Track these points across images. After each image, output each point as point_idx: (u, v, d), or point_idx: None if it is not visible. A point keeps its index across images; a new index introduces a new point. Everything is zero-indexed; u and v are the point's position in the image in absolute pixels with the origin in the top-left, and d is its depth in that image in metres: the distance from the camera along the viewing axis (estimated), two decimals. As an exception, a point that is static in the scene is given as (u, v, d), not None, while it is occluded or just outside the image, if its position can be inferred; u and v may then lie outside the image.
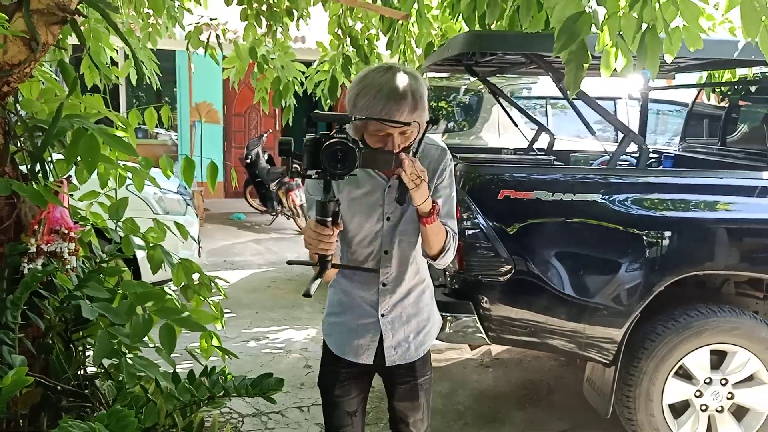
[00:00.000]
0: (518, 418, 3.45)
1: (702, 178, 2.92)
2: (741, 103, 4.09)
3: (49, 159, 2.24)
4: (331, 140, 1.51)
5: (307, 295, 1.55)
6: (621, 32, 2.07)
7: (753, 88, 3.80)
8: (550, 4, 2.11)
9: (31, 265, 2.02)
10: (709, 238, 2.79)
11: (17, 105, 2.21)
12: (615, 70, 2.14)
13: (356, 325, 1.89)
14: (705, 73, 4.17)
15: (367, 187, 1.77)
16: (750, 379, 2.95)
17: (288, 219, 8.15)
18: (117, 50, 4.61)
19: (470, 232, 2.83)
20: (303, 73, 4.84)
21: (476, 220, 2.82)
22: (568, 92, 2.03)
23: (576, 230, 2.82)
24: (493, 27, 3.05)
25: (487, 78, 4.24)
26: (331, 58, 4.98)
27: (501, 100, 4.36)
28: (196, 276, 2.57)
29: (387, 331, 1.87)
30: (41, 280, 1.95)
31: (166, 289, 2.28)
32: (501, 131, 5.14)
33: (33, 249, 2.03)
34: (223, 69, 4.85)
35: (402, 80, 1.61)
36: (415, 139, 1.65)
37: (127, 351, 2.05)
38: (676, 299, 2.91)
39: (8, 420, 1.89)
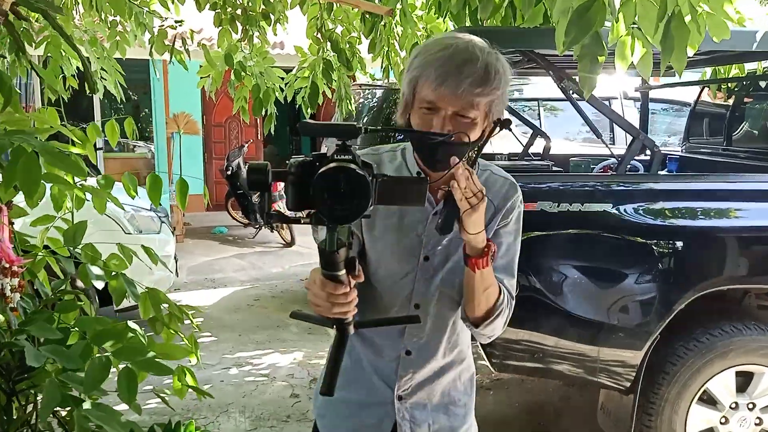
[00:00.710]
0: (525, 447, 3.18)
1: (726, 184, 2.66)
2: (746, 100, 3.87)
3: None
4: (330, 165, 0.95)
5: (329, 394, 1.07)
6: (636, 23, 1.81)
7: (763, 84, 3.57)
8: (552, -7, 1.85)
9: (-42, 311, 1.71)
10: (735, 249, 2.53)
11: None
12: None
13: (362, 403, 1.37)
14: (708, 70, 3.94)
15: (400, 215, 1.29)
16: (779, 401, 2.69)
17: (272, 231, 7.85)
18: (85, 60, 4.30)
19: (468, 249, 2.55)
20: (282, 79, 4.56)
21: (475, 236, 2.54)
22: (582, 91, 1.76)
23: (586, 244, 2.55)
24: (485, 25, 2.79)
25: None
26: (311, 64, 4.70)
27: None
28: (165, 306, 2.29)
29: (404, 422, 1.34)
30: (-28, 325, 1.65)
31: (131, 323, 1.99)
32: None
33: (-40, 290, 1.73)
34: (201, 78, 4.58)
35: (478, 47, 1.17)
36: (477, 142, 1.16)
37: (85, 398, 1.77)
38: (697, 317, 2.65)
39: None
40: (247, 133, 10.11)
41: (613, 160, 3.54)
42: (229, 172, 7.97)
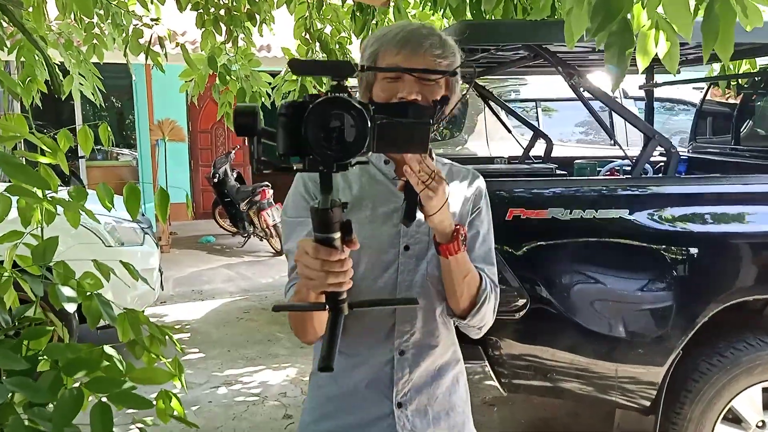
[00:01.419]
0: (534, 469, 2.98)
1: (753, 186, 2.47)
2: (754, 97, 3.70)
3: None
4: (322, 100, 0.86)
5: (327, 369, 0.91)
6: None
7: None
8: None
9: None
10: (762, 256, 2.35)
11: None
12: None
13: (359, 425, 1.23)
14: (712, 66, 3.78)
15: (377, 195, 1.23)
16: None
17: (261, 240, 7.62)
18: (59, 64, 4.08)
19: (474, 260, 2.36)
20: (269, 84, 4.35)
21: (481, 247, 2.35)
22: (611, 85, 1.57)
23: (601, 253, 2.36)
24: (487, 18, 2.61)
25: (474, 80, 3.79)
26: (299, 65, 4.50)
27: (492, 104, 3.91)
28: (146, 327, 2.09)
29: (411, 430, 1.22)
30: None
31: (108, 347, 1.78)
32: (489, 139, 4.71)
33: None
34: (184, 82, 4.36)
35: (431, 26, 1.20)
36: (437, 113, 1.08)
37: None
38: (719, 329, 2.47)
39: None
40: (233, 139, 9.89)
41: (619, 161, 3.37)
42: (215, 180, 7.76)
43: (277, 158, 0.92)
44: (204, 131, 9.88)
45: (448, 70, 1.16)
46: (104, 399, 1.54)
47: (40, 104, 3.78)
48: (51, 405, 1.53)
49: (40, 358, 1.76)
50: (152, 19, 3.28)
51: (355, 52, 4.29)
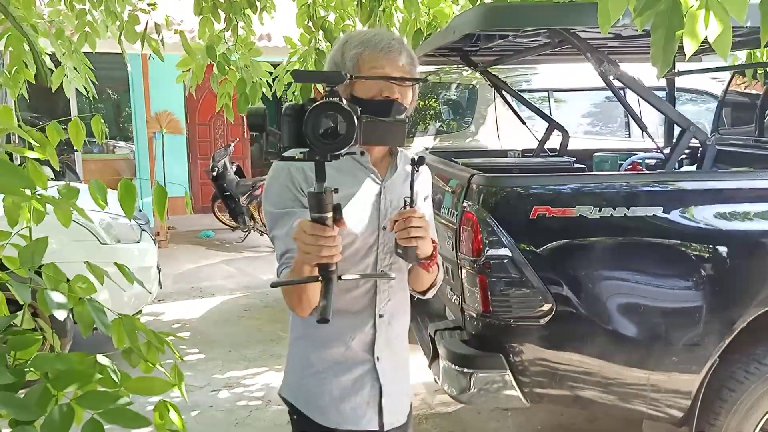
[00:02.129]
0: (554, 480, 2.82)
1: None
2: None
3: None
4: (319, 104, 1.11)
5: (324, 320, 1.14)
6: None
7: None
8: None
9: None
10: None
11: None
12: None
13: (350, 380, 1.47)
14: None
15: (357, 185, 1.43)
16: None
17: (261, 235, 7.45)
18: (50, 54, 3.89)
19: (495, 262, 2.19)
20: (270, 74, 4.16)
21: (503, 247, 2.18)
22: (656, 66, 1.39)
23: (633, 255, 2.20)
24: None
25: (487, 68, 3.62)
26: (302, 55, 4.32)
27: (505, 94, 3.73)
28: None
29: (385, 381, 1.48)
30: None
31: (101, 358, 1.62)
32: (500, 131, 4.53)
33: None
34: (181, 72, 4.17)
35: (397, 37, 1.42)
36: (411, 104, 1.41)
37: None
38: (756, 335, 2.31)
39: None
40: (233, 131, 9.68)
41: (642, 155, 3.19)
42: (214, 173, 7.57)
43: (282, 150, 1.18)
44: (203, 123, 9.68)
45: (419, 77, 1.41)
46: (96, 416, 1.39)
47: (26, 96, 3.60)
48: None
49: (27, 369, 1.59)
50: (149, 4, 3.09)
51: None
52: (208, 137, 9.73)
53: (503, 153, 3.86)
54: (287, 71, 4.39)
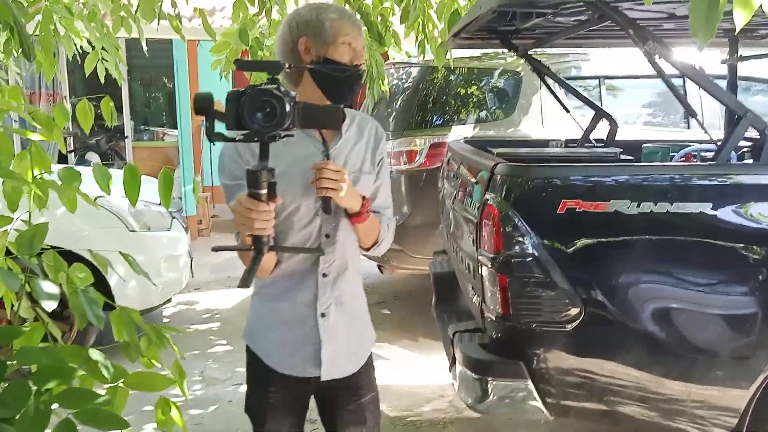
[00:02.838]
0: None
1: None
2: None
3: None
4: (253, 90, 1.23)
5: (245, 285, 1.31)
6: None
7: None
8: None
9: None
10: None
11: None
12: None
13: (296, 334, 1.60)
14: None
15: (300, 152, 1.52)
16: None
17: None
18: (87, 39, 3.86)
19: (518, 260, 1.99)
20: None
21: (527, 244, 1.97)
22: (697, 37, 1.16)
23: (675, 254, 1.96)
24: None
25: (529, 53, 3.38)
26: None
27: (548, 79, 3.48)
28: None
29: (326, 337, 1.59)
30: None
31: (92, 352, 1.51)
32: (545, 120, 4.27)
33: None
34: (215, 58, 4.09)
35: None
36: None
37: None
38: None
39: None
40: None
41: (697, 146, 2.90)
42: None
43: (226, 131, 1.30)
44: (251, 112, 9.70)
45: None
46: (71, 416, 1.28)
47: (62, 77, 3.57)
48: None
49: (9, 363, 1.48)
50: (166, -18, 2.99)
51: (397, 23, 3.92)
52: (256, 126, 9.74)
53: (545, 143, 3.61)
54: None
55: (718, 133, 2.87)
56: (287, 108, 1.22)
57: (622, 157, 2.95)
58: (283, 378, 1.61)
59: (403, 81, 4.65)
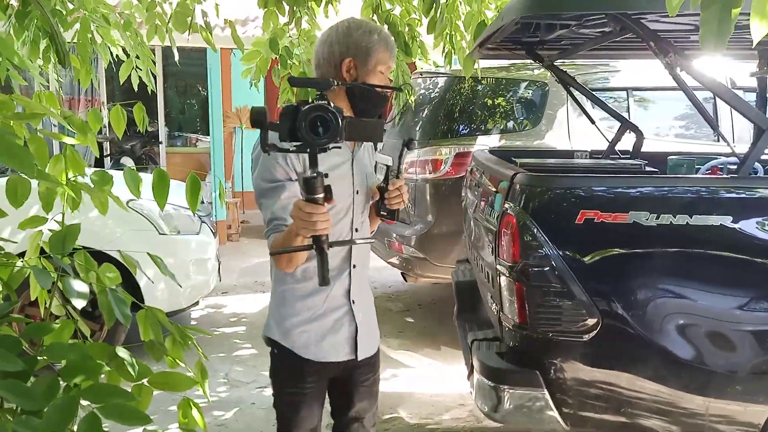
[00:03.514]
0: None
1: None
2: None
3: None
4: (310, 107, 1.33)
5: (326, 282, 1.41)
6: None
7: None
8: None
9: None
10: None
11: None
12: None
13: (331, 321, 1.73)
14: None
15: (335, 158, 1.67)
16: None
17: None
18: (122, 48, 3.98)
19: (535, 270, 2.00)
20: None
21: (544, 254, 1.99)
22: (707, 50, 1.17)
23: (694, 267, 1.95)
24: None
25: (555, 64, 3.39)
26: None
27: (573, 90, 3.48)
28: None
29: (360, 320, 1.76)
30: None
31: (119, 350, 1.58)
32: (571, 131, 4.26)
33: None
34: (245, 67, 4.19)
35: None
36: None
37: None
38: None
39: None
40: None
41: (723, 159, 2.88)
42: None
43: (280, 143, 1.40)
44: (282, 120, 9.82)
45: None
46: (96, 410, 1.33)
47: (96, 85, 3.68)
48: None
49: (40, 358, 1.55)
50: (198, -7, 3.08)
51: (425, 35, 3.96)
52: (286, 133, 9.86)
53: (570, 154, 3.61)
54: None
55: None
56: (341, 123, 1.33)
57: (647, 169, 2.94)
58: (318, 366, 1.71)
59: (430, 91, 4.68)
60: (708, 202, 1.95)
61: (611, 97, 4.47)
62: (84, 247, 1.78)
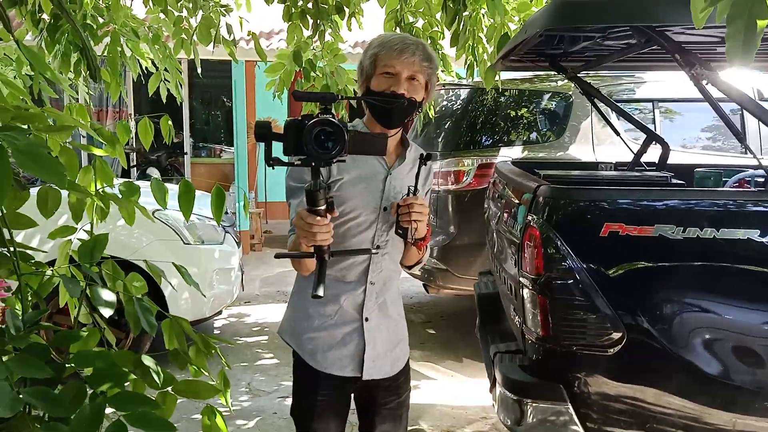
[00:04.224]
0: None
1: None
2: None
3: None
4: (315, 120, 1.33)
5: (317, 296, 1.41)
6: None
7: None
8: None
9: None
10: None
11: None
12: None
13: (340, 334, 1.71)
14: None
15: (368, 170, 1.68)
16: None
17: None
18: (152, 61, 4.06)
19: (559, 283, 1.99)
20: (356, 80, 4.12)
21: (568, 267, 1.98)
22: (733, 64, 1.17)
23: (720, 281, 1.93)
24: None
25: (579, 75, 3.37)
26: (389, 60, 4.24)
27: (597, 102, 3.47)
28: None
29: (370, 339, 1.72)
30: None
31: (144, 358, 1.60)
32: (596, 142, 4.23)
33: None
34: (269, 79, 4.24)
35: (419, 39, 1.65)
36: (421, 103, 1.66)
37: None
38: None
39: None
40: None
41: (752, 171, 2.84)
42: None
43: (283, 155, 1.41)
44: (305, 131, 9.88)
45: (430, 76, 1.63)
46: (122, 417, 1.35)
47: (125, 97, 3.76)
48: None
49: (68, 366, 1.58)
50: (222, 6, 3.12)
51: (447, 48, 3.98)
52: (309, 144, 9.91)
53: (594, 165, 3.58)
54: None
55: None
56: (346, 138, 1.34)
57: (674, 181, 2.91)
58: (329, 378, 1.70)
59: (453, 102, 4.69)
60: (735, 216, 1.93)
61: (637, 109, 4.43)
62: (111, 257, 1.81)
